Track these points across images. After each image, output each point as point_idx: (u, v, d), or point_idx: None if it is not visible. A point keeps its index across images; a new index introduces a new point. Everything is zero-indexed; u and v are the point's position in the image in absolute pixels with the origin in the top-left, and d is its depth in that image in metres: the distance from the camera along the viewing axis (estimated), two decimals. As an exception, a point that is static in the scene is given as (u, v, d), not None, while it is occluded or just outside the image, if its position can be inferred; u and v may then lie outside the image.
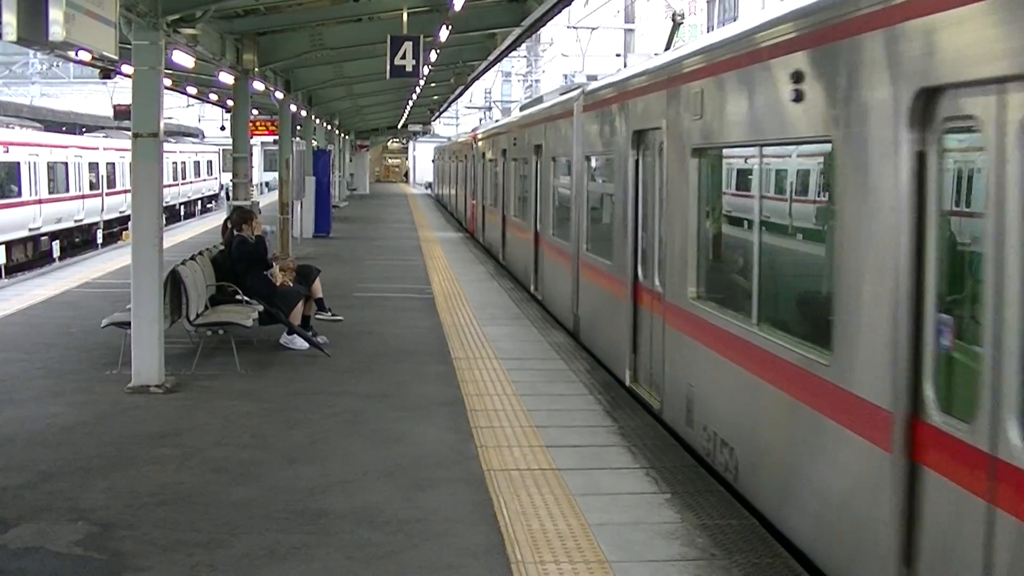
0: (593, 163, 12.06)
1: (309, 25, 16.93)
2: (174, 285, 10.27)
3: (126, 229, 31.50)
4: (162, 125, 9.57)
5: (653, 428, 8.38)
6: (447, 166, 43.63)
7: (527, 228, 16.94)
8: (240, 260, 11.67)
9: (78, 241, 31.11)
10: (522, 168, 17.85)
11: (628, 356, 9.79)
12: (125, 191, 33.48)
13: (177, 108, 51.31)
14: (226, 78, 17.29)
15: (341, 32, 17.83)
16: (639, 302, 9.55)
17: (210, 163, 52.06)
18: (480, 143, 26.83)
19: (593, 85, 12.24)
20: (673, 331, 8.21)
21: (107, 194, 33.61)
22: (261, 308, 11.23)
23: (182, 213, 43.50)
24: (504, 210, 20.82)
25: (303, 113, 26.53)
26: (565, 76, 48.64)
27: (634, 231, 9.71)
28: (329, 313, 13.14)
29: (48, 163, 28.33)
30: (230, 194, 19.91)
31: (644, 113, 9.28)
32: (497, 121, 30.60)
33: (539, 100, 18.06)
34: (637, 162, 9.63)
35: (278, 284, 11.85)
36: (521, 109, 21.73)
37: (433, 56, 17.50)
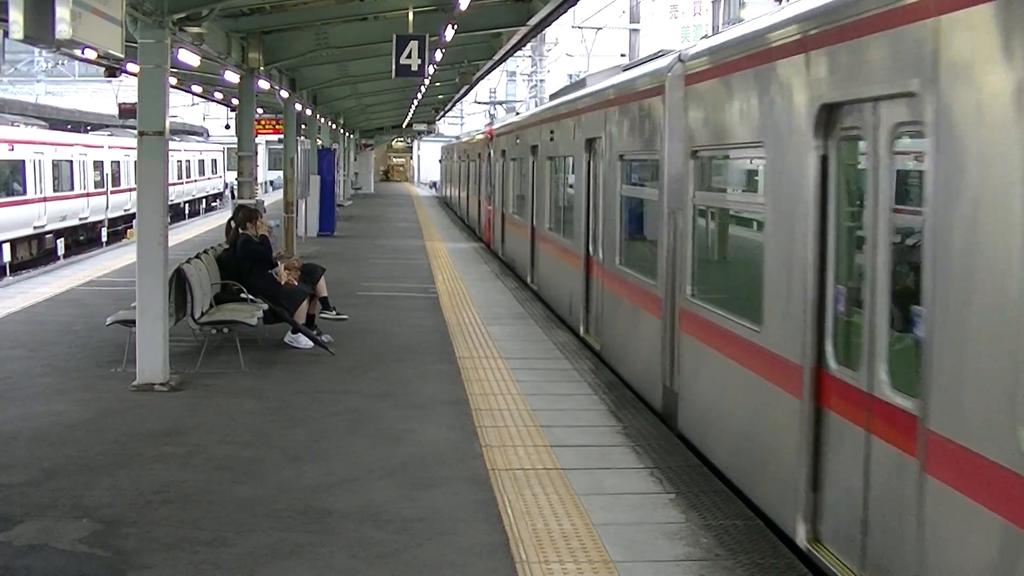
0: (710, 162, 8.05)
1: (314, 24, 16.93)
2: (179, 283, 10.27)
3: (131, 227, 31.61)
4: (167, 123, 9.58)
5: (657, 428, 8.38)
6: (457, 166, 38.80)
7: (573, 250, 12.85)
8: (245, 259, 11.67)
9: (83, 239, 31.16)
10: (562, 169, 14.27)
11: (805, 497, 5.68)
12: (130, 189, 33.57)
13: (182, 107, 51.37)
14: (231, 77, 17.31)
15: (346, 31, 17.83)
16: (827, 403, 5.56)
17: (215, 161, 52.19)
18: (498, 139, 22.96)
19: (708, 43, 8.08)
20: (968, 504, 4.10)
21: (112, 192, 33.67)
22: (266, 307, 11.23)
23: (187, 211, 43.58)
24: (533, 221, 16.69)
25: (308, 112, 26.55)
26: (570, 76, 48.61)
27: (818, 282, 5.67)
28: (334, 312, 13.16)
29: (53, 161, 28.38)
30: (235, 192, 19.92)
31: (858, 70, 5.21)
32: (518, 114, 26.53)
33: (581, 84, 14.08)
34: (824, 160, 5.65)
35: (283, 283, 11.86)
36: (552, 97, 17.54)
37: (438, 55, 17.48)
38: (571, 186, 13.21)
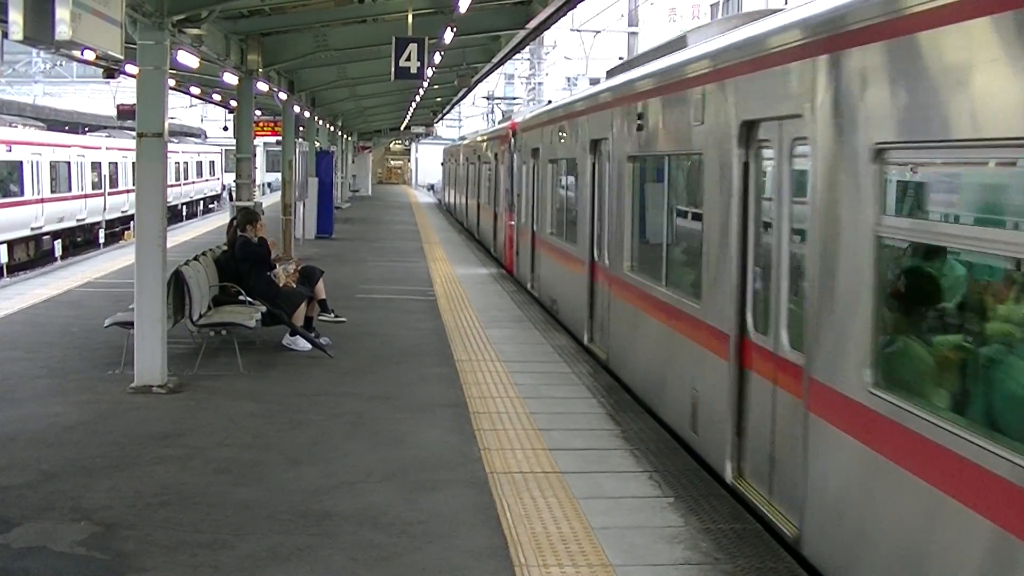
0: None
1: (314, 26, 16.93)
2: (177, 285, 10.27)
3: (128, 229, 31.58)
4: (166, 125, 9.57)
5: (656, 431, 8.37)
6: (464, 170, 32.74)
7: (703, 320, 7.62)
8: (243, 260, 11.67)
9: (80, 241, 31.14)
10: (666, 177, 9.35)
11: None
12: (128, 191, 33.54)
13: (180, 108, 51.39)
14: (230, 79, 17.30)
15: (346, 33, 17.84)
16: None
17: (212, 163, 52.16)
18: (525, 135, 17.84)
19: None
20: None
21: (109, 194, 33.64)
22: (264, 309, 11.22)
23: (184, 213, 43.55)
24: (598, 255, 11.56)
25: (306, 114, 26.55)
26: (568, 79, 48.61)
27: None
28: (332, 314, 13.14)
29: (51, 162, 28.36)
30: (233, 194, 19.91)
31: None
32: (550, 102, 20.70)
33: (679, 42, 9.52)
34: None
35: (281, 285, 11.85)
36: (610, 74, 12.42)
37: (437, 58, 17.48)
38: (694, 206, 8.31)
